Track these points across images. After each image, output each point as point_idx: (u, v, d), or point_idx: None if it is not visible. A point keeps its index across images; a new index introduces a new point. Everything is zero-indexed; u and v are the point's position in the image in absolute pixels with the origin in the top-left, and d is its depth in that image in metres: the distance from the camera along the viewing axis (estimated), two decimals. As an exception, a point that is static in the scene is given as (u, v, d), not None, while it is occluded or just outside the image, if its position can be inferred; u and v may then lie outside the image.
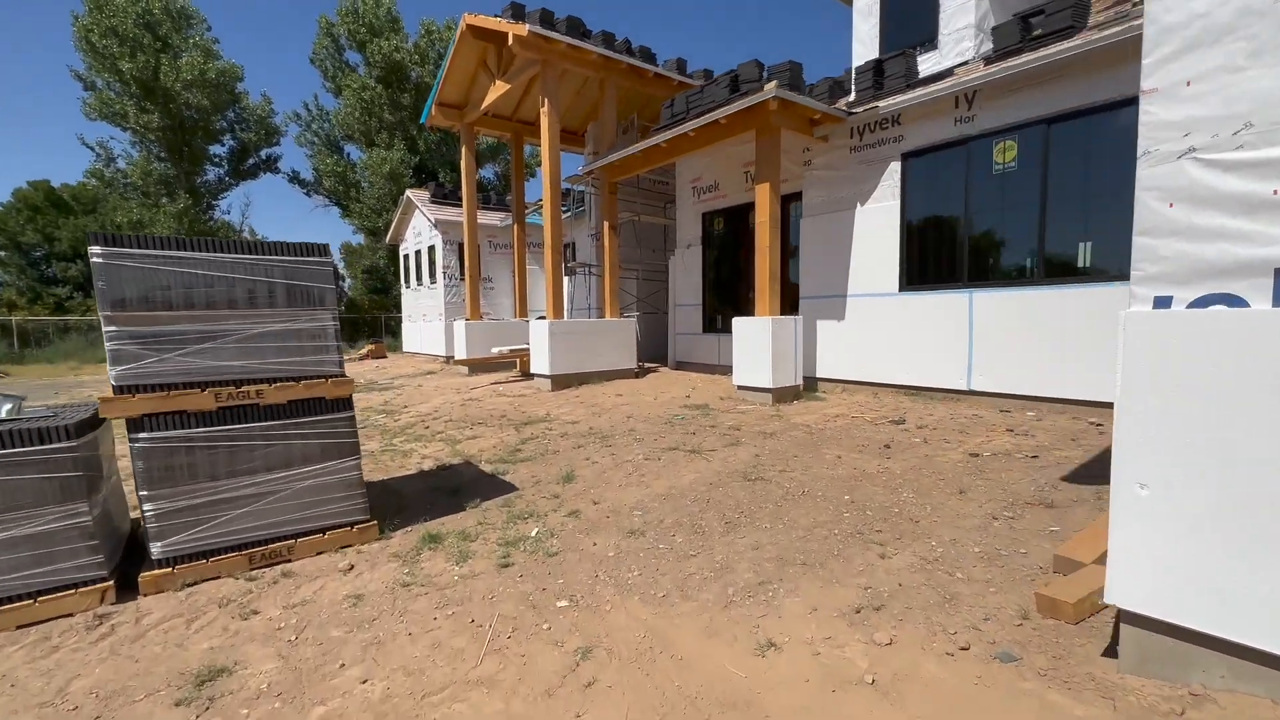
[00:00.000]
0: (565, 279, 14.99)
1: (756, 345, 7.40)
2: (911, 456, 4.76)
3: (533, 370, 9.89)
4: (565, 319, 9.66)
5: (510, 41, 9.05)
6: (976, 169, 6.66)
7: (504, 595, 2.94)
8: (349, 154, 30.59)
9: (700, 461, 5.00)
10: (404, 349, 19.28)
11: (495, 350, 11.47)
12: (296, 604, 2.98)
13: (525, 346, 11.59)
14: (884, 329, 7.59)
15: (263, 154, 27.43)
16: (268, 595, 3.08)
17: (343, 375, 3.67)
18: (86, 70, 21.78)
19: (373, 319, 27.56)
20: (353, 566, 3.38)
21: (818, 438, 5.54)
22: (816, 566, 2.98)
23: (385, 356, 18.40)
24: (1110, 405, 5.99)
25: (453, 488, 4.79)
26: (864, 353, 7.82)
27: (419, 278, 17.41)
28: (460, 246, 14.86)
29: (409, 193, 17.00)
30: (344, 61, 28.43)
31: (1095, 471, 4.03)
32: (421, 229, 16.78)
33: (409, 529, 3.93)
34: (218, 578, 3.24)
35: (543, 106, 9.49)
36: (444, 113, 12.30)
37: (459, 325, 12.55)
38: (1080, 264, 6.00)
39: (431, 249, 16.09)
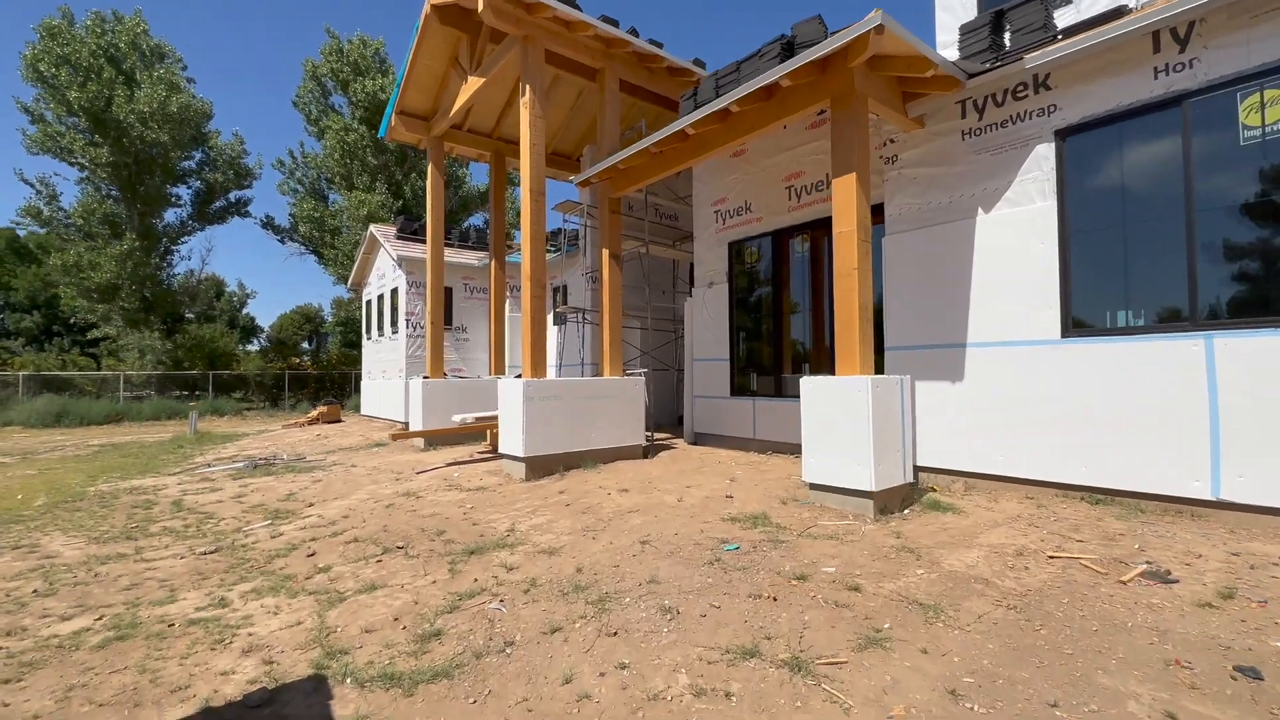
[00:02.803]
0: (553, 328, 12.40)
1: (846, 420, 4.66)
2: (1355, 720, 1.94)
3: (502, 448, 7.08)
4: (548, 378, 6.96)
5: (481, 9, 6.76)
6: (1207, 139, 4.15)
7: None
8: (333, 200, 28.68)
9: (826, 709, 2.16)
10: (362, 411, 16.40)
11: (457, 419, 8.68)
12: None
13: (495, 414, 8.81)
14: (1036, 397, 4.90)
15: (232, 197, 25.36)
16: None
17: None
18: (34, 102, 19.86)
19: (341, 375, 24.77)
20: None
21: (1038, 620, 2.72)
22: None
23: (339, 420, 15.50)
24: None
25: (218, 814, 1.91)
26: (1003, 433, 5.09)
27: (380, 327, 14.76)
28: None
29: (373, 228, 14.59)
30: (328, 105, 26.93)
31: None
32: (385, 270, 14.28)
33: None
34: None
35: (523, 96, 7.13)
36: (406, 123, 10.01)
37: (414, 384, 9.80)
38: None
39: (394, 292, 13.52)
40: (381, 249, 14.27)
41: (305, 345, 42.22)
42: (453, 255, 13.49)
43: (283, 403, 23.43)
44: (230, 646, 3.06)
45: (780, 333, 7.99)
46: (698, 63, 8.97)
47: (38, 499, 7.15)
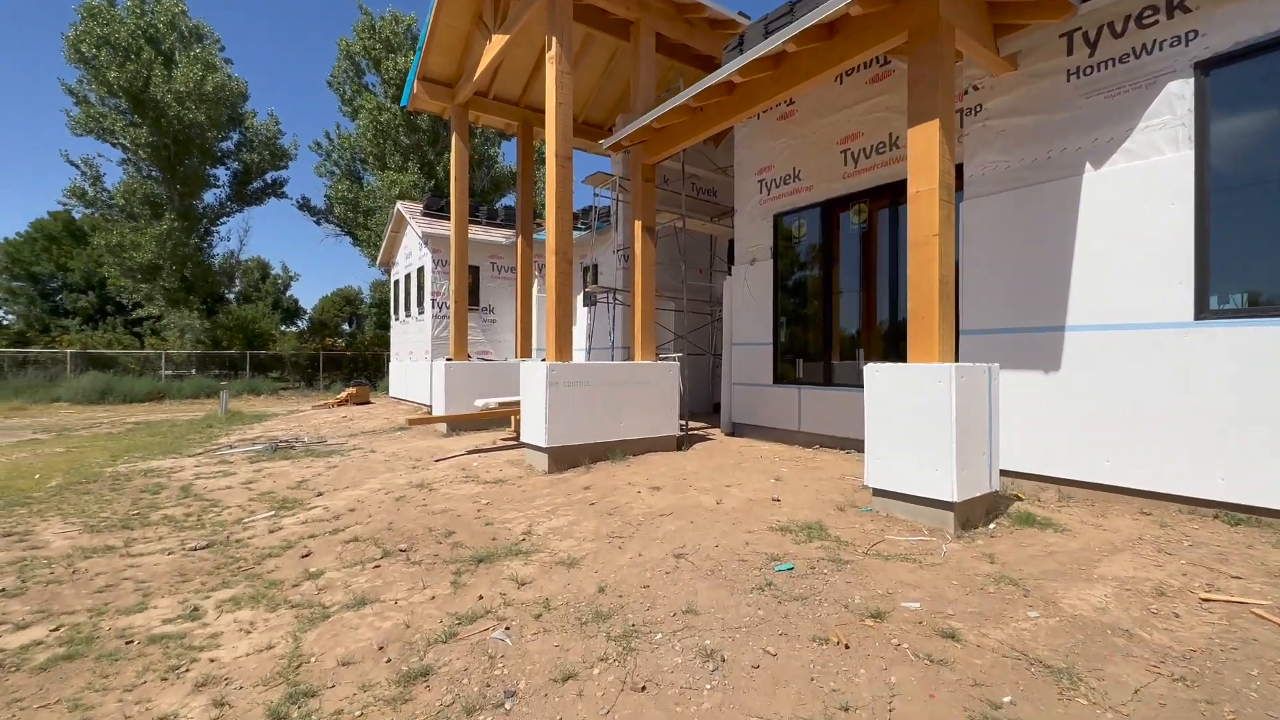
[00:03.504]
0: (582, 309, 11.81)
1: (922, 416, 3.91)
2: None
3: (524, 436, 6.54)
4: (575, 361, 6.36)
5: (503, -48, 6.09)
6: None
7: None
8: (368, 181, 28.68)
9: None
10: (391, 393, 16.23)
11: (479, 403, 8.20)
12: None
13: (519, 399, 8.30)
14: (1157, 391, 4.05)
15: (269, 178, 25.51)
16: None
17: None
18: (78, 84, 20.17)
19: (374, 357, 24.84)
20: None
21: (1224, 701, 1.98)
22: None
23: (368, 402, 15.34)
24: None
25: None
26: (1111, 434, 4.25)
27: (407, 307, 14.45)
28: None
29: (399, 205, 14.22)
30: (362, 84, 26.76)
31: None
32: (412, 248, 13.90)
33: None
34: None
35: (550, 50, 6.46)
36: (429, 90, 9.45)
37: (437, 366, 9.37)
38: None
39: (420, 271, 13.14)
40: (408, 227, 13.89)
41: (345, 327, 42.98)
42: (480, 233, 13.01)
43: (317, 383, 23.65)
44: (185, 676, 2.57)
45: (830, 315, 7.19)
46: (743, 15, 8.11)
47: (54, 479, 6.98)
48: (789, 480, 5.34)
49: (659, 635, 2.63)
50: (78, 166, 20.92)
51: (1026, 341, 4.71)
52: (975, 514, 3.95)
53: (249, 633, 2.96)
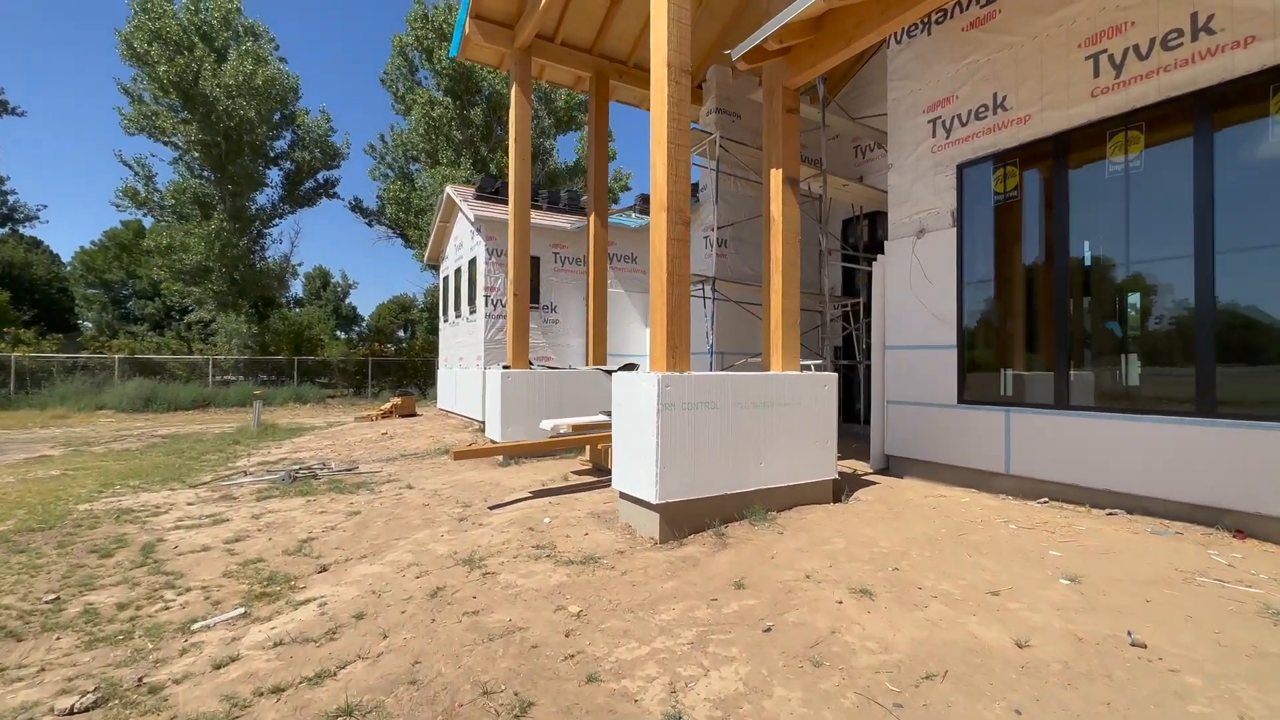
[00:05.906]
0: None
1: None
2: None
3: (618, 484, 4.43)
4: (693, 372, 4.22)
5: None
6: None
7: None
8: (420, 181, 27.66)
9: None
10: (439, 404, 14.56)
11: (547, 426, 6.18)
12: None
13: (602, 419, 6.27)
14: None
15: (320, 177, 24.72)
16: None
17: None
18: (133, 82, 19.70)
19: (424, 363, 23.51)
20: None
21: None
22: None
23: (414, 414, 13.71)
24: None
25: None
26: None
27: (457, 306, 12.71)
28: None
29: (449, 189, 12.51)
30: (415, 80, 25.74)
31: None
32: (463, 238, 12.16)
33: None
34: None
35: (656, -82, 4.38)
36: (484, 32, 7.57)
37: (492, 376, 7.45)
38: None
39: (472, 264, 11.35)
40: (458, 213, 12.18)
41: (401, 334, 42.60)
42: (540, 218, 11.13)
43: (366, 391, 22.48)
44: None
45: (1063, 303, 4.84)
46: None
47: (9, 521, 5.38)
48: (1096, 583, 3.04)
49: None
50: (130, 166, 20.52)
51: None
52: None
53: None
